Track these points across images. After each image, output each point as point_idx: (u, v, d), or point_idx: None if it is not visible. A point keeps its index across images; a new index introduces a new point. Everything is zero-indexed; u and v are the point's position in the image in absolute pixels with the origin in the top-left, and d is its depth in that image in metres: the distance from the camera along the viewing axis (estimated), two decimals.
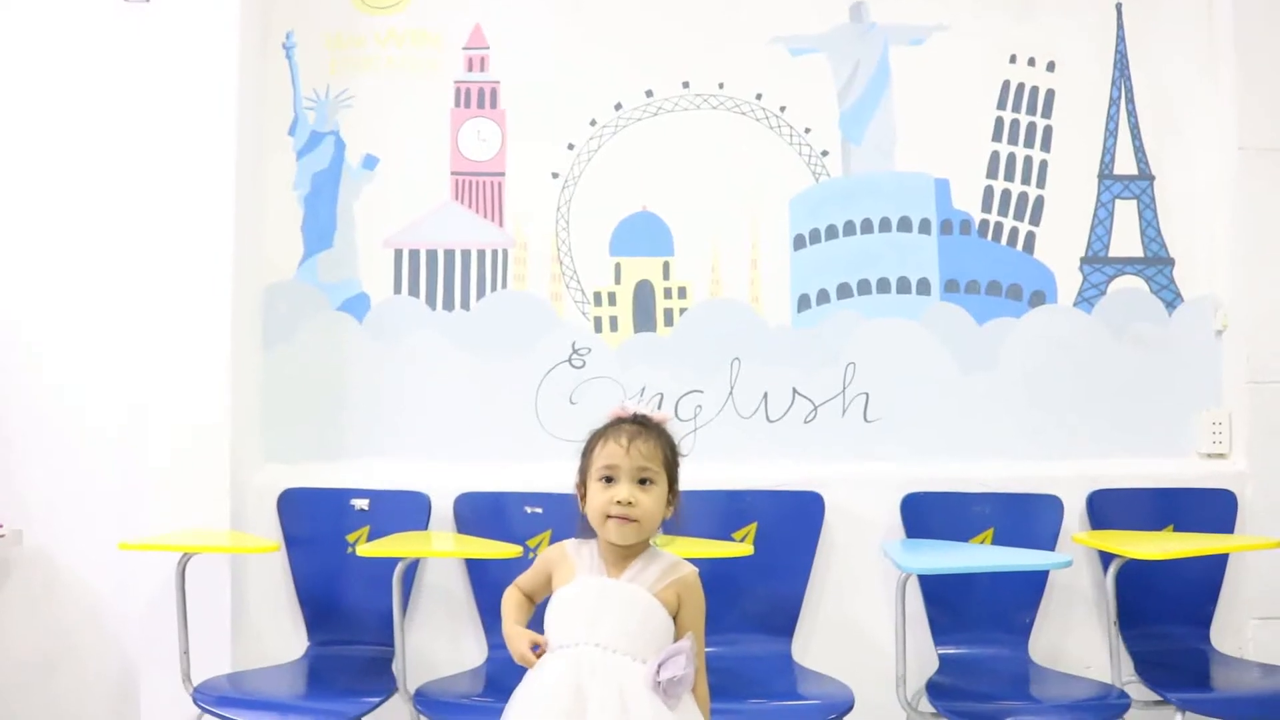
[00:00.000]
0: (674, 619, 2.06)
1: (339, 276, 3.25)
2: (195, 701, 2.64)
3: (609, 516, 2.04)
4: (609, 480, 2.06)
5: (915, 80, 3.31)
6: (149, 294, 3.02)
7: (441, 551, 3.01)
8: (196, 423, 2.97)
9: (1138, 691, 2.79)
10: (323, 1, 3.29)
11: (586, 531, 2.12)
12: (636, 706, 1.92)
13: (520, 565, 2.31)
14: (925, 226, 3.29)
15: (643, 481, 2.05)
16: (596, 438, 2.12)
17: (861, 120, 3.31)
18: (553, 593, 2.10)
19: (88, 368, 3.16)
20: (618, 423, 2.12)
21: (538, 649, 2.02)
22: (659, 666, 1.94)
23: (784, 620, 3.05)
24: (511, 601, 2.17)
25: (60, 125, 3.20)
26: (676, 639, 2.04)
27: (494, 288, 3.26)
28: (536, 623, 2.10)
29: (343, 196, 3.26)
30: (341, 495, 3.10)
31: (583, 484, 2.13)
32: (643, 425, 2.11)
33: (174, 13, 3.04)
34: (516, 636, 2.06)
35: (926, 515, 3.09)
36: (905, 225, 3.29)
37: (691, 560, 2.16)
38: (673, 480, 2.11)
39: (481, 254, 3.27)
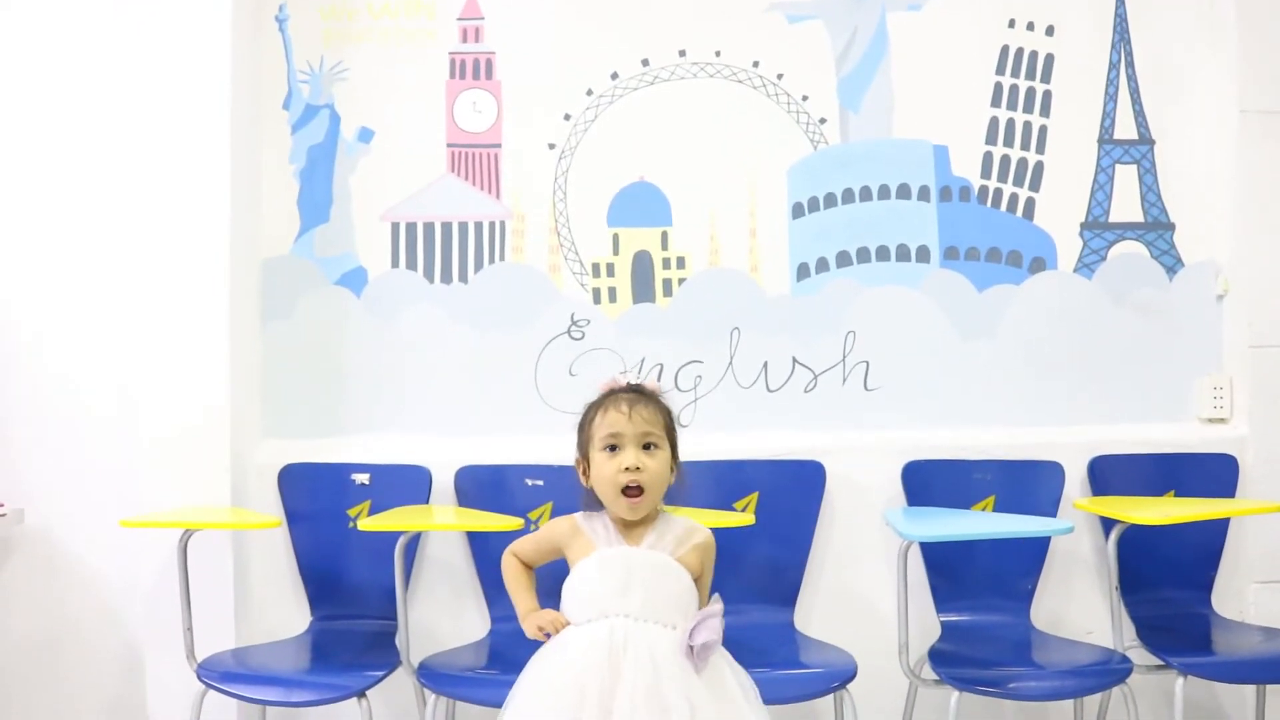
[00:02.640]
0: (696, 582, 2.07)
1: (336, 251, 3.24)
2: (200, 678, 2.65)
3: (621, 490, 2.03)
4: (613, 449, 2.05)
5: (913, 46, 3.28)
6: (146, 272, 3.00)
7: (443, 525, 3.02)
8: (196, 400, 2.97)
9: (1140, 656, 2.80)
10: None
11: (592, 505, 2.12)
12: (669, 673, 1.92)
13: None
14: (924, 193, 3.27)
15: (647, 446, 2.05)
16: (594, 409, 2.11)
17: (860, 87, 3.28)
18: (570, 567, 2.09)
19: (86, 346, 3.14)
20: (614, 393, 2.11)
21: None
22: (692, 631, 1.94)
23: (786, 589, 3.05)
24: (521, 576, 2.17)
25: (52, 103, 3.16)
26: (699, 601, 2.05)
27: (492, 260, 3.24)
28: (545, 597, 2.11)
29: (339, 170, 3.24)
30: (342, 470, 3.10)
31: (584, 458, 2.12)
32: (639, 393, 2.10)
33: None
34: (535, 615, 2.07)
35: (928, 483, 3.09)
36: (904, 192, 3.27)
37: None
38: (674, 445, 2.11)
39: (479, 226, 3.25)
